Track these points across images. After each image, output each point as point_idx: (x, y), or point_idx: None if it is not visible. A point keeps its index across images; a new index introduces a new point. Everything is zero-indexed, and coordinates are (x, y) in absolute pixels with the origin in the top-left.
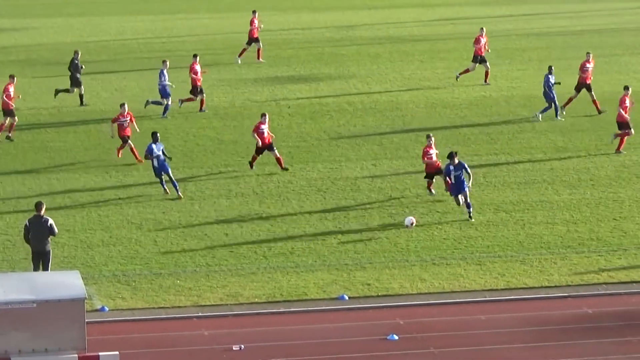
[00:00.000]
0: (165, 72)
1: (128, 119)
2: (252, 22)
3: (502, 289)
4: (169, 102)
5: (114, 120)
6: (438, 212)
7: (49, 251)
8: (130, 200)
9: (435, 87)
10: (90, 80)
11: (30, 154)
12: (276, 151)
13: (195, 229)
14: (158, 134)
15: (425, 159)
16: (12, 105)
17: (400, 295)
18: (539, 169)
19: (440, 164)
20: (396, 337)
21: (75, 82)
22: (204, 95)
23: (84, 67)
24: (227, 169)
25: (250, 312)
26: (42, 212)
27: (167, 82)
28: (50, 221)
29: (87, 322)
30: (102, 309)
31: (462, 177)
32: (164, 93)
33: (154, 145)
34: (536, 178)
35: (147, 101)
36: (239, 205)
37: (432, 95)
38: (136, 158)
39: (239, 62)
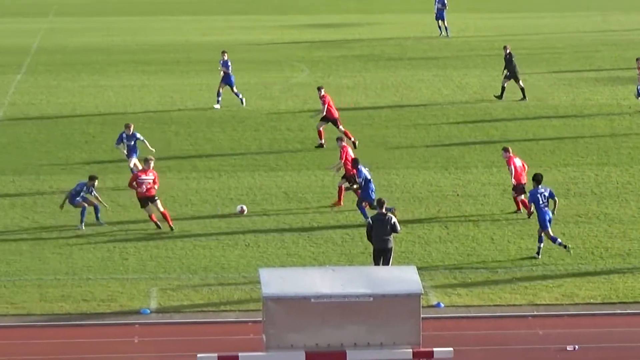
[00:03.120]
0: None
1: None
2: None
3: None
4: None
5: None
6: None
7: (391, 248)
8: (468, 197)
9: None
10: (432, 77)
11: (371, 149)
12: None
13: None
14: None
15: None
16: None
17: None
18: None
19: None
20: None
21: (511, 76)
22: None
23: (514, 63)
24: (566, 168)
25: (585, 313)
26: (384, 209)
27: None
28: (394, 219)
29: (422, 318)
30: (438, 305)
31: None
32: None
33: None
34: None
35: None
36: (576, 205)
37: None
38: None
39: None
